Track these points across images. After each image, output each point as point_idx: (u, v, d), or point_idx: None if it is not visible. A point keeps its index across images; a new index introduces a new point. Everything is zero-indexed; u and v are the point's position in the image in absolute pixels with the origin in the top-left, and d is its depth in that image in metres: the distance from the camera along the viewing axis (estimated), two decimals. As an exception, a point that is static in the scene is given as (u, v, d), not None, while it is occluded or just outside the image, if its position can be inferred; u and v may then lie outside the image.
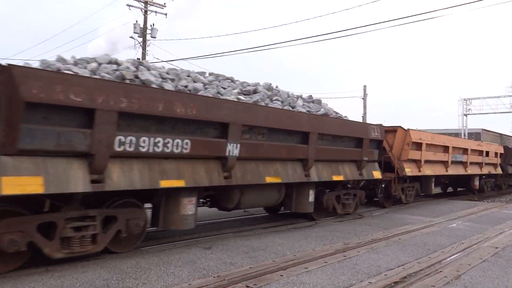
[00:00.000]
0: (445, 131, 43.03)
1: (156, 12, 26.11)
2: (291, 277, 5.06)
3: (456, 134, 36.23)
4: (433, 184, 14.45)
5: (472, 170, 16.79)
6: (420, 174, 12.81)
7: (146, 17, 25.88)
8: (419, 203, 14.22)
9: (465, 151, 15.84)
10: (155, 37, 26.00)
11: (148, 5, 25.92)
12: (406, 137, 12.07)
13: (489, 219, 10.80)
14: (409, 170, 12.22)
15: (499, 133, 59.11)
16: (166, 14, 26.36)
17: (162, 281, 4.80)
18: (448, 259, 6.32)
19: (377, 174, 10.67)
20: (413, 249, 6.89)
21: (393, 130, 12.11)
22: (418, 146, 12.48)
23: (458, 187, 19.64)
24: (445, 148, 14.17)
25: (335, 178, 9.00)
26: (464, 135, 38.86)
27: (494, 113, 40.93)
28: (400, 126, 12.17)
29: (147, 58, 25.45)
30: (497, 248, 7.19)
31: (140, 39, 25.66)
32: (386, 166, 11.71)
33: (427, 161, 13.12)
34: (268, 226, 8.67)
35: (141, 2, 25.70)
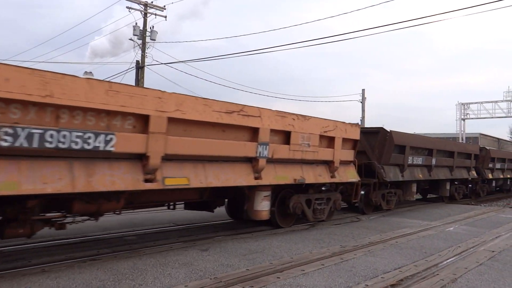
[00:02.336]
0: (443, 135, 43.13)
1: (155, 14, 26.20)
2: (288, 280, 5.06)
3: (454, 139, 36.33)
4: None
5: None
6: None
7: (146, 19, 25.97)
8: (416, 207, 14.19)
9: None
10: (155, 40, 26.09)
11: (148, 8, 26.00)
12: None
13: (486, 223, 10.82)
14: None
15: (497, 138, 59.35)
16: (165, 17, 26.46)
17: (158, 282, 4.80)
18: (445, 262, 6.34)
19: None
20: (410, 252, 6.90)
21: None
22: None
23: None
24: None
25: None
26: (462, 139, 38.93)
27: (492, 117, 41.17)
28: None
29: (146, 60, 25.55)
30: (493, 251, 7.20)
31: (140, 41, 25.72)
32: None
33: None
34: (266, 229, 8.67)
35: (141, 4, 25.79)
